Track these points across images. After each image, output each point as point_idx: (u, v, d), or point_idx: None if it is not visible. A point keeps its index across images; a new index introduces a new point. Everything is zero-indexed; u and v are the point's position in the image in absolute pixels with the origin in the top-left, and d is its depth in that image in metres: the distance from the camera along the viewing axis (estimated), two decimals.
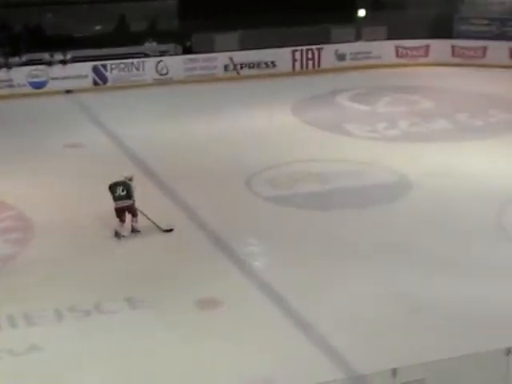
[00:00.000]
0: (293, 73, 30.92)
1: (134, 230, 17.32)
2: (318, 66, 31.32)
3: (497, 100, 27.49)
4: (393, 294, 15.01)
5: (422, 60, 31.97)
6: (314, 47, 31.22)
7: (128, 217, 17.29)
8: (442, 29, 32.36)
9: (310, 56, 31.15)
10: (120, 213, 17.15)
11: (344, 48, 31.57)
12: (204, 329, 13.89)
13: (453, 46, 32.01)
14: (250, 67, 30.61)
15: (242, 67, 30.61)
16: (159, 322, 14.13)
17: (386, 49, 31.93)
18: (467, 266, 16.06)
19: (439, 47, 31.98)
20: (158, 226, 17.45)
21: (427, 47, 31.96)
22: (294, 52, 31.04)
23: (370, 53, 31.78)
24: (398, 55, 31.99)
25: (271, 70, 30.74)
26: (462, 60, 31.87)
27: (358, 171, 21.11)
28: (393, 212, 18.83)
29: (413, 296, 14.91)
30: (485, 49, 31.70)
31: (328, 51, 31.34)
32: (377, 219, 18.43)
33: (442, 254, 16.52)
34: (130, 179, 17.36)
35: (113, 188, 17.17)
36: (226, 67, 30.51)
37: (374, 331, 13.75)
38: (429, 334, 13.71)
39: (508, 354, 11.17)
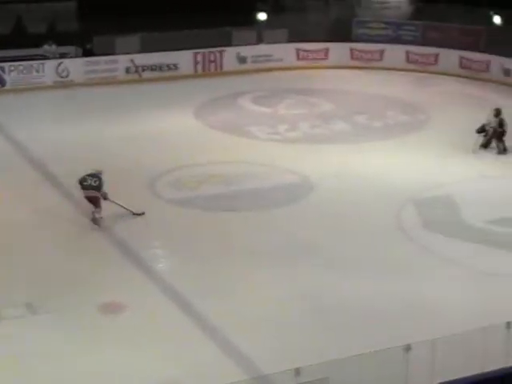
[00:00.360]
0: (195, 75, 30.92)
1: (95, 222, 17.88)
2: (220, 68, 31.43)
3: (394, 102, 28.10)
4: (296, 294, 15.20)
5: (321, 63, 32.39)
6: (215, 50, 31.29)
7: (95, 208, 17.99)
8: (340, 32, 32.86)
9: (211, 58, 31.22)
10: (90, 201, 17.89)
11: (245, 51, 31.74)
12: (107, 333, 13.80)
13: (351, 49, 32.54)
14: (151, 69, 30.49)
15: (143, 69, 30.45)
16: (61, 327, 13.97)
17: (286, 51, 32.23)
18: (369, 265, 16.39)
19: (338, 50, 32.45)
20: (129, 211, 18.23)
21: (327, 50, 32.40)
22: (195, 54, 31.05)
23: (271, 55, 32.02)
24: (298, 58, 32.32)
25: (173, 73, 30.68)
26: (360, 63, 32.45)
27: (260, 173, 21.30)
28: (295, 213, 19.07)
29: (316, 296, 15.14)
30: (382, 52, 32.34)
31: (230, 54, 31.47)
32: (280, 220, 18.63)
33: (345, 255, 16.83)
34: (100, 172, 18.12)
35: (84, 177, 17.96)
36: (127, 69, 30.31)
37: (278, 332, 13.90)
38: (332, 332, 13.94)
39: (407, 351, 11.47)
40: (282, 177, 21.20)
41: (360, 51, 32.53)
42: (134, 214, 18.34)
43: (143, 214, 18.46)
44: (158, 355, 13.16)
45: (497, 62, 30.37)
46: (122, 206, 18.27)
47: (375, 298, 15.02)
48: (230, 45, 31.83)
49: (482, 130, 22.91)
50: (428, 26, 32.63)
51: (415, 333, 13.08)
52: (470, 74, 31.01)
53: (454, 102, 28.01)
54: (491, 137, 22.90)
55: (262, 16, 32.49)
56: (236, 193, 20.12)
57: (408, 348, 11.48)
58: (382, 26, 33.01)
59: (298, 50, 32.25)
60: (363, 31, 33.07)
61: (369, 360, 11.49)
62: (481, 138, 22.92)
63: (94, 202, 17.92)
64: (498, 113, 22.95)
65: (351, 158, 22.41)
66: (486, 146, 22.96)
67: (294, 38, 32.49)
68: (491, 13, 32.21)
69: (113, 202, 18.11)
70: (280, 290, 15.33)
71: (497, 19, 32.07)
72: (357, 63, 32.47)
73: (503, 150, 22.82)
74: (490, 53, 30.62)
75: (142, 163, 21.55)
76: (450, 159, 22.35)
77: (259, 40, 32.64)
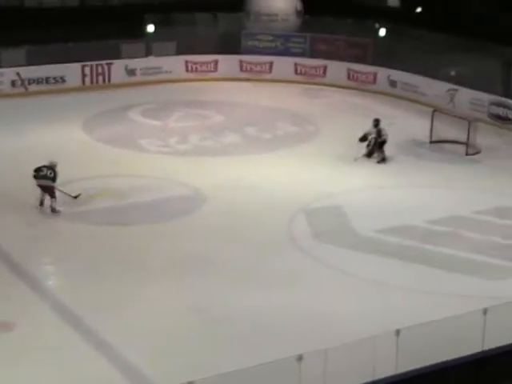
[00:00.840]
0: (82, 88, 30.50)
1: (53, 211, 19.23)
2: (109, 81, 31.08)
3: (284, 114, 28.35)
4: (189, 307, 15.15)
5: (211, 75, 32.45)
6: (103, 62, 30.93)
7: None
8: (230, 44, 32.99)
9: (99, 71, 30.84)
10: (43, 189, 19.36)
11: (134, 63, 31.48)
12: None
13: (241, 61, 32.72)
14: (38, 82, 29.91)
15: (30, 83, 29.85)
16: None
17: (176, 64, 32.13)
18: (261, 276, 16.48)
19: (228, 62, 32.56)
20: (69, 195, 19.51)
21: (216, 62, 32.48)
22: (83, 67, 30.60)
23: (160, 68, 31.88)
24: (188, 70, 32.28)
25: (60, 86, 30.17)
26: (249, 75, 32.66)
27: (152, 186, 21.17)
28: (189, 225, 19.04)
29: (209, 308, 15.11)
30: (271, 64, 32.63)
31: (118, 66, 31.16)
32: (174, 233, 18.57)
33: (237, 266, 16.88)
34: (55, 165, 19.47)
35: (40, 167, 19.35)
36: (13, 83, 29.65)
37: (171, 345, 13.82)
38: (226, 345, 13.94)
39: (300, 361, 11.55)
40: (173, 190, 21.12)
41: (249, 63, 32.74)
42: (73, 197, 19.56)
43: (80, 195, 19.76)
44: (50, 374, 12.89)
45: (383, 74, 31.03)
46: (62, 191, 19.40)
47: (268, 309, 15.09)
48: (118, 57, 31.50)
49: (364, 138, 23.46)
50: (316, 38, 33.08)
51: (307, 343, 13.18)
52: (357, 85, 31.58)
53: (343, 114, 28.49)
54: (373, 146, 23.43)
55: (150, 28, 32.34)
56: (128, 206, 19.95)
57: (300, 358, 11.56)
58: (271, 38, 33.30)
59: (187, 63, 32.22)
60: (252, 43, 33.29)
61: (262, 371, 11.52)
62: (364, 147, 23.40)
63: (48, 190, 19.25)
64: (376, 123, 23.52)
65: (242, 170, 22.51)
66: (369, 155, 23.46)
67: (183, 50, 32.42)
68: (377, 25, 32.93)
69: (57, 188, 19.34)
70: (173, 303, 15.25)
71: (382, 32, 32.79)
72: (246, 75, 32.68)
73: (382, 160, 23.36)
74: (377, 65, 31.27)
75: (30, 178, 20.98)
76: (338, 169, 22.71)
77: (148, 52, 32.43)
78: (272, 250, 17.72)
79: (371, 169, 22.88)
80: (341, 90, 31.43)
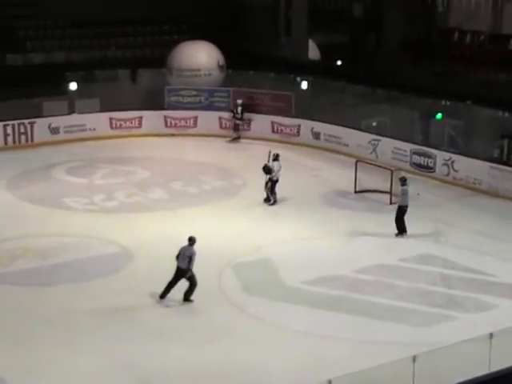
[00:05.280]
0: (5, 148, 30.12)
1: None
2: (31, 140, 30.78)
3: (209, 168, 28.45)
4: (119, 365, 14.95)
5: (135, 131, 32.43)
6: (26, 121, 30.63)
7: None
8: (154, 100, 33.08)
9: (22, 130, 30.54)
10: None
11: (57, 121, 31.26)
12: None
13: (165, 117, 32.81)
14: None
15: None
16: None
17: (99, 121, 32.05)
18: (191, 332, 16.40)
19: (152, 118, 32.62)
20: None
21: (140, 118, 32.51)
22: (5, 127, 30.27)
23: (84, 125, 31.73)
24: (112, 127, 32.23)
25: None
26: (174, 130, 32.75)
27: (79, 244, 20.98)
28: (116, 283, 18.85)
29: (139, 365, 14.94)
30: (195, 119, 32.79)
31: (41, 125, 30.90)
32: (100, 291, 18.36)
33: (169, 322, 16.80)
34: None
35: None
36: None
37: None
38: None
39: None
40: (100, 248, 20.93)
41: (173, 118, 32.85)
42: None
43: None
44: None
45: (307, 126, 31.38)
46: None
47: (201, 364, 15.00)
48: (41, 116, 31.27)
49: (268, 171, 24.42)
50: (239, 92, 33.35)
51: None
52: (282, 138, 31.85)
53: None
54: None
55: (72, 86, 32.19)
56: (53, 266, 19.70)
57: None
58: (194, 93, 33.49)
59: (111, 119, 32.17)
60: (175, 99, 33.42)
61: None
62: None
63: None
64: (276, 157, 24.64)
65: (169, 226, 22.44)
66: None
67: (106, 107, 32.37)
68: (299, 79, 33.40)
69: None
70: (101, 362, 15.03)
71: (304, 85, 33.23)
72: (171, 130, 32.75)
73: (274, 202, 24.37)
74: (300, 117, 31.61)
75: None
76: (266, 222, 22.84)
77: (71, 110, 32.27)
78: (202, 305, 17.65)
79: (298, 220, 23.04)
80: (266, 142, 31.66)
